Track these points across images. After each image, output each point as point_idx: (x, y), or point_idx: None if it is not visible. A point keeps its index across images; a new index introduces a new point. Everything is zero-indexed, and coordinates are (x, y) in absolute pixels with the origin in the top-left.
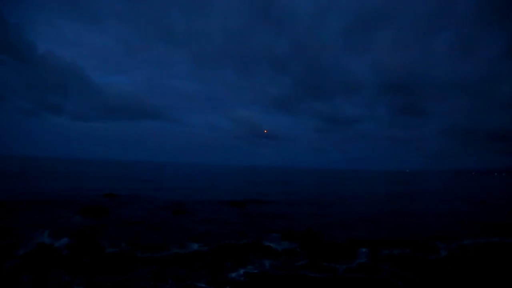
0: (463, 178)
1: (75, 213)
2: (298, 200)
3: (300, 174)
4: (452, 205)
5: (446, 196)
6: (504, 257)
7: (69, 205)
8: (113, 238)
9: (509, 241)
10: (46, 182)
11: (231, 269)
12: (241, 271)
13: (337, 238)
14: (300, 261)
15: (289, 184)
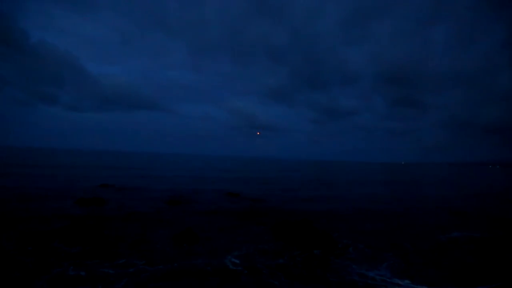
0: (457, 171)
1: (71, 203)
2: (294, 191)
3: (295, 165)
4: (446, 197)
5: (440, 188)
6: (492, 250)
7: (65, 195)
8: (110, 228)
9: (499, 234)
10: (41, 173)
11: (222, 256)
12: (232, 259)
13: (333, 230)
14: (291, 254)
15: (285, 176)
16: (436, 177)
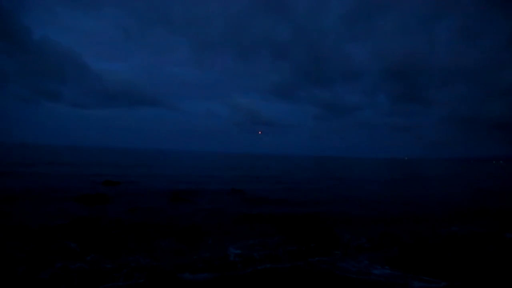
0: (461, 166)
1: (75, 200)
2: (298, 187)
3: (299, 161)
4: (448, 192)
5: (443, 184)
6: (490, 245)
7: (68, 192)
8: (113, 225)
9: (499, 229)
10: (45, 170)
11: (226, 251)
12: (234, 253)
13: (336, 225)
14: (295, 249)
15: (289, 172)
16: (439, 173)
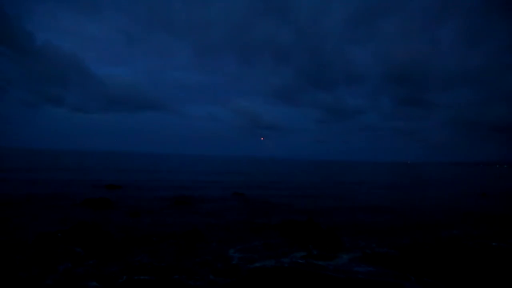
0: (464, 170)
1: (77, 205)
2: (300, 191)
3: (301, 165)
4: (453, 197)
5: (447, 188)
6: (488, 249)
7: (71, 197)
8: (116, 228)
9: (500, 233)
10: (47, 174)
11: (226, 253)
12: (235, 256)
13: (337, 229)
14: (297, 252)
15: (291, 176)
16: (443, 177)
